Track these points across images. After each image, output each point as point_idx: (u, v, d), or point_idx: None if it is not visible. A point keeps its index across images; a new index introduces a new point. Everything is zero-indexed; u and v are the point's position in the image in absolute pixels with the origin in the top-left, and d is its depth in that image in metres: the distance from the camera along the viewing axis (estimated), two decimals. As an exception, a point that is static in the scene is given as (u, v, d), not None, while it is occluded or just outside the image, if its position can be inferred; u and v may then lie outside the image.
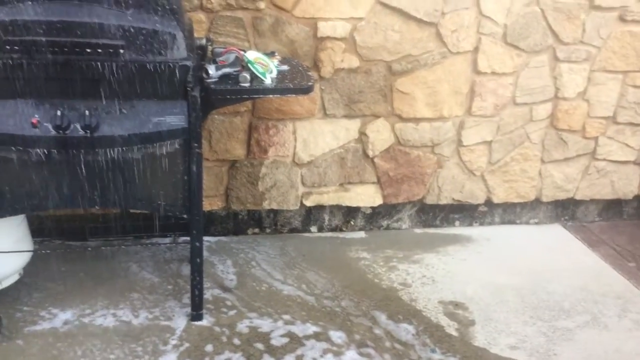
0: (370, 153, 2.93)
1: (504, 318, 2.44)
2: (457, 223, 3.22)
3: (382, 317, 2.39)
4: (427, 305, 2.49)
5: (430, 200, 3.10)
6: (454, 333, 2.33)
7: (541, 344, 2.29)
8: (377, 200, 3.04)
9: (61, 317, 2.23)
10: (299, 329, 2.26)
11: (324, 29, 2.64)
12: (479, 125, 2.99)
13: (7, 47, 1.78)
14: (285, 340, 2.20)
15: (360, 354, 2.16)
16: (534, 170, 3.16)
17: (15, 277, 2.21)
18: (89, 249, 2.63)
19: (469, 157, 3.05)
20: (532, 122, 3.05)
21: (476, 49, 2.84)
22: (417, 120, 2.91)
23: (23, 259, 2.19)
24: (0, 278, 2.15)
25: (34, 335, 2.12)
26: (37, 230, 2.32)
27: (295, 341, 2.20)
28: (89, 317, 2.24)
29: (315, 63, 2.70)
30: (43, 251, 2.39)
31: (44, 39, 1.79)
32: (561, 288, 2.67)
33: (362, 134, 2.89)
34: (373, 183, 3.00)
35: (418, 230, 3.16)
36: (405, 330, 2.32)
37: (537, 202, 3.26)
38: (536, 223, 3.31)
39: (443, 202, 3.12)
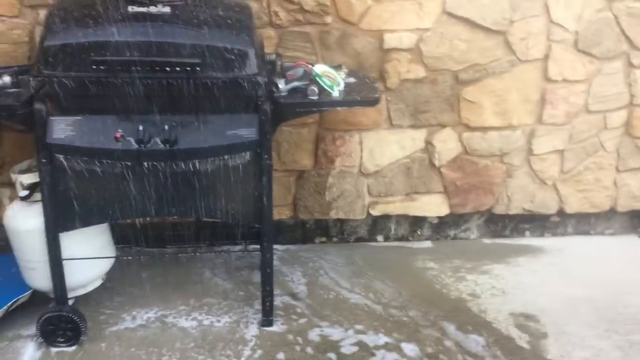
0: (437, 163, 2.92)
1: (577, 331, 2.37)
2: (527, 233, 3.15)
3: (451, 328, 2.37)
4: (497, 317, 2.45)
5: (499, 210, 3.06)
6: (526, 345, 2.28)
7: (617, 359, 2.21)
8: (444, 210, 3.02)
9: (141, 320, 2.35)
10: (369, 339, 2.27)
11: (390, 40, 2.67)
12: (550, 133, 2.92)
13: (94, 66, 1.91)
14: (355, 349, 2.22)
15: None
16: (609, 180, 3.06)
17: (99, 282, 2.34)
18: (166, 255, 2.75)
19: (540, 166, 2.98)
20: (606, 130, 2.96)
21: (546, 57, 2.79)
22: (485, 129, 2.89)
23: (106, 264, 2.33)
24: (85, 282, 2.28)
25: (115, 336, 2.25)
26: (119, 238, 2.46)
27: (365, 350, 2.21)
28: (168, 320, 2.35)
29: (381, 74, 2.73)
30: (124, 257, 2.52)
31: (127, 58, 1.91)
32: (638, 301, 2.57)
33: (429, 143, 2.89)
34: (440, 192, 2.99)
35: (487, 241, 3.12)
36: (475, 342, 2.30)
37: (612, 212, 3.14)
38: (611, 234, 3.20)
39: (513, 212, 3.07)
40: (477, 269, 2.83)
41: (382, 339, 2.28)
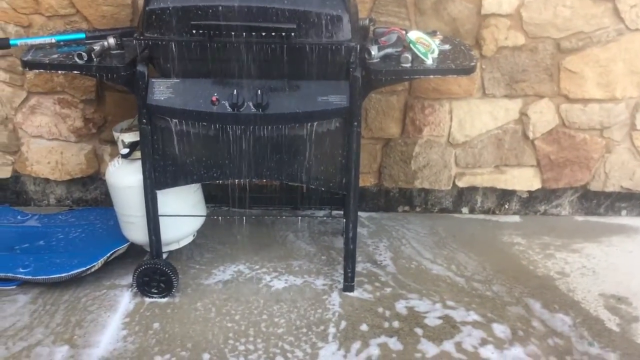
0: (531, 135, 2.80)
1: (675, 319, 2.25)
2: (624, 212, 2.99)
3: (537, 306, 2.31)
4: (586, 297, 2.36)
5: (594, 186, 2.91)
6: (615, 328, 2.19)
7: None
8: (535, 184, 2.91)
9: (228, 275, 2.44)
10: (455, 313, 2.25)
11: (489, 5, 2.55)
12: (658, 108, 2.73)
13: (193, 30, 1.96)
14: (439, 322, 2.21)
15: (517, 344, 2.12)
16: None
17: (190, 238, 2.45)
18: (252, 216, 2.84)
19: (643, 143, 2.81)
20: None
21: (659, 25, 2.58)
22: (585, 101, 2.73)
23: (198, 222, 2.43)
24: (178, 238, 2.39)
25: (204, 290, 2.35)
26: (209, 197, 2.55)
27: (450, 324, 2.19)
28: (253, 277, 2.43)
29: (477, 41, 2.63)
30: (214, 217, 2.62)
31: (225, 23, 1.94)
32: None
33: (523, 114, 2.77)
34: (532, 166, 2.88)
35: (579, 218, 2.98)
36: (562, 321, 2.23)
37: None
38: None
39: (609, 189, 2.91)
40: (567, 246, 2.72)
41: (468, 315, 2.24)
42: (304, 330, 2.15)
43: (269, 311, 2.24)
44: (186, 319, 2.18)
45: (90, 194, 2.94)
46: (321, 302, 2.29)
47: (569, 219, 2.98)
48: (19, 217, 2.69)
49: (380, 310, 2.26)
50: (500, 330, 2.17)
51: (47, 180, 2.89)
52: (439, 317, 2.23)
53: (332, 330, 2.15)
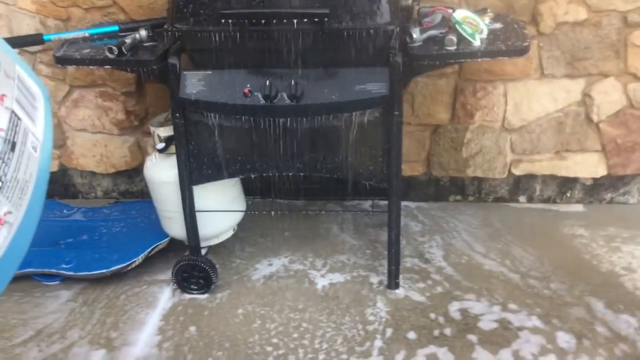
0: (595, 117, 2.57)
1: None
2: (701, 201, 2.72)
3: (599, 305, 2.12)
4: (655, 297, 2.16)
5: (667, 172, 2.66)
6: (687, 333, 1.99)
7: None
8: (601, 171, 2.68)
9: (270, 270, 2.38)
10: (510, 315, 2.09)
11: (546, -22, 2.34)
12: None
13: (223, 20, 1.87)
14: (493, 325, 2.05)
15: (579, 352, 1.95)
16: None
17: (230, 232, 2.40)
18: (295, 208, 2.75)
19: None
20: None
21: None
22: (657, 79, 2.48)
23: (237, 216, 2.37)
24: (218, 233, 2.34)
25: (245, 285, 2.30)
26: (249, 190, 2.49)
27: (506, 328, 2.04)
28: (295, 272, 2.36)
29: (533, 17, 2.41)
30: (253, 212, 2.56)
31: (254, 11, 1.84)
32: None
33: (586, 95, 2.54)
34: (596, 151, 2.65)
35: (649, 207, 2.74)
36: (626, 323, 2.04)
37: None
38: None
39: (685, 175, 2.65)
40: (635, 239, 2.50)
41: (526, 317, 2.07)
42: (347, 334, 2.05)
43: (313, 307, 2.16)
44: (225, 318, 2.13)
45: (136, 186, 2.94)
46: (366, 301, 2.19)
47: (638, 207, 2.74)
48: (65, 211, 2.72)
49: (427, 311, 2.13)
50: (560, 336, 2.00)
51: (93, 173, 2.91)
52: (494, 320, 2.07)
53: (377, 338, 2.04)
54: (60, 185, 2.95)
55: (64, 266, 2.30)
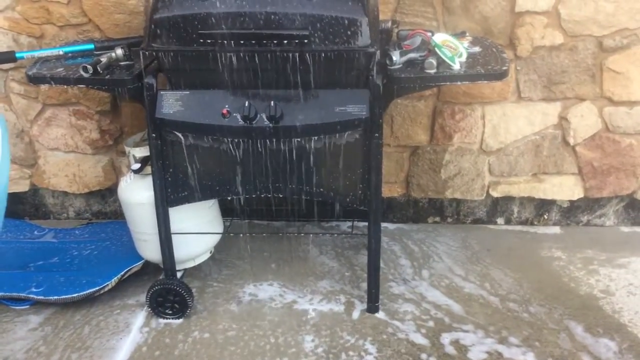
0: (572, 140, 2.60)
1: None
2: (675, 223, 2.76)
3: (578, 329, 2.12)
4: (633, 319, 2.16)
5: (642, 195, 2.69)
6: (667, 356, 1.99)
7: None
8: (577, 193, 2.70)
9: (248, 294, 2.33)
10: (476, 338, 2.09)
11: (524, 2, 2.36)
12: None
13: (201, 39, 1.84)
14: (453, 348, 2.05)
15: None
16: None
17: (207, 255, 2.35)
18: (273, 229, 2.71)
19: (696, 148, 2.56)
20: None
21: None
22: (631, 103, 2.51)
23: (214, 239, 2.32)
24: (195, 255, 2.29)
25: (222, 309, 2.24)
26: (227, 211, 2.45)
27: (462, 352, 2.04)
28: (273, 296, 2.31)
29: (511, 41, 2.44)
30: (231, 234, 2.51)
31: (233, 31, 1.82)
32: None
33: (563, 119, 2.57)
34: (573, 174, 2.67)
35: (625, 229, 2.76)
36: (606, 347, 2.03)
37: None
38: None
39: (659, 198, 2.68)
40: (612, 261, 2.51)
41: (503, 341, 2.07)
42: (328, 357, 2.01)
43: (290, 332, 2.12)
44: (201, 343, 2.07)
45: (110, 206, 2.87)
46: (344, 324, 2.15)
47: (614, 230, 2.76)
48: (35, 232, 2.64)
49: (402, 328, 2.11)
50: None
51: (65, 194, 2.84)
52: (452, 342, 2.06)
53: None
54: (31, 205, 2.86)
55: (34, 290, 2.22)
